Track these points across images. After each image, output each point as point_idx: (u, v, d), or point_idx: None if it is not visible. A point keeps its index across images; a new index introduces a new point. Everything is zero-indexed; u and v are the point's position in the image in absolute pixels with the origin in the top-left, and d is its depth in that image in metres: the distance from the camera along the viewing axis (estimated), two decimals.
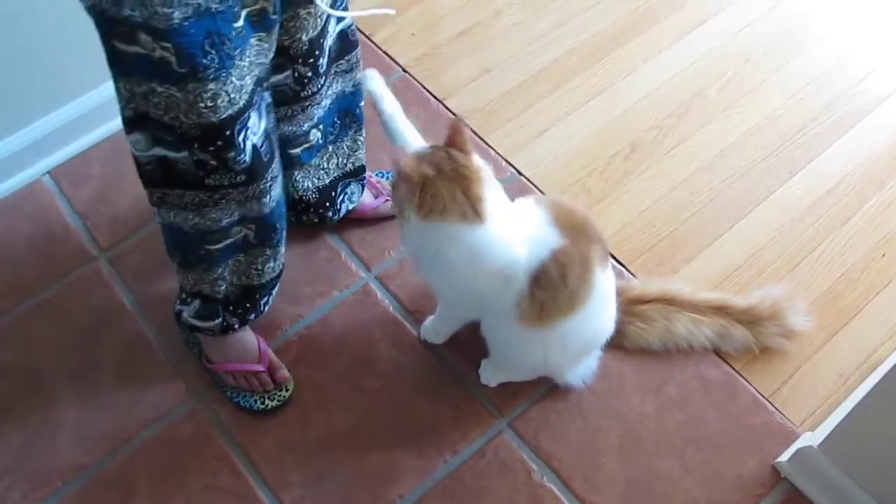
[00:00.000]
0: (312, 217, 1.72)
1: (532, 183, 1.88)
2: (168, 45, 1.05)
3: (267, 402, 1.57)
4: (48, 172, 1.89)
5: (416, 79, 2.05)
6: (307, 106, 1.48)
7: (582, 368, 1.56)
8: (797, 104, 2.02)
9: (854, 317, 1.71)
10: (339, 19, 1.42)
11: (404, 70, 2.07)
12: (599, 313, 1.44)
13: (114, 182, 1.87)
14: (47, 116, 1.84)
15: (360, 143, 1.67)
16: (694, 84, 2.06)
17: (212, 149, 1.20)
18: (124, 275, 1.75)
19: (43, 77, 1.77)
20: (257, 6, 1.13)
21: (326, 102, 1.53)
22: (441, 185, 1.25)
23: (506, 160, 1.91)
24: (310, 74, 1.41)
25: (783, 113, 2.01)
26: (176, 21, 1.03)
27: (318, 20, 1.33)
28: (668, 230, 1.82)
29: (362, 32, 2.13)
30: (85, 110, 1.87)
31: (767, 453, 1.54)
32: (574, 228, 1.35)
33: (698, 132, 1.97)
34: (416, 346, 1.66)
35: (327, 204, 1.71)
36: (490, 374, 1.59)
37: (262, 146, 1.27)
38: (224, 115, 1.16)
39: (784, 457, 1.51)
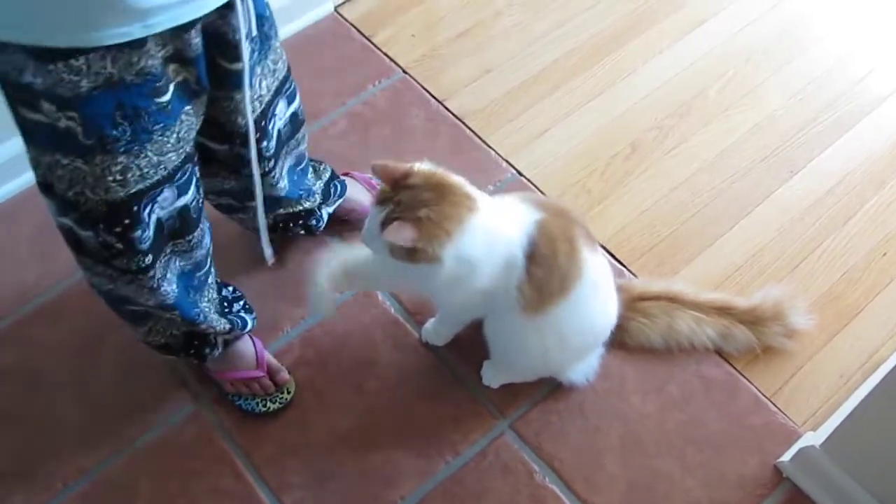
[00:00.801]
0: (297, 231, 1.69)
1: (532, 183, 1.88)
2: (74, 114, 1.00)
3: (269, 404, 1.57)
4: None
5: (416, 80, 2.05)
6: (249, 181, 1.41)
7: (584, 366, 1.56)
8: (797, 104, 2.02)
9: (855, 317, 1.70)
10: (291, 100, 1.37)
11: (404, 71, 2.07)
12: (593, 299, 1.42)
13: None
14: None
15: (314, 171, 1.65)
16: (694, 84, 2.06)
17: (118, 229, 1.15)
18: None
19: None
20: (179, 77, 1.08)
21: (284, 183, 1.49)
22: (438, 211, 1.23)
23: (506, 161, 1.91)
24: (249, 156, 1.33)
25: (783, 113, 2.01)
26: (84, 90, 0.98)
27: (257, 103, 1.28)
28: (668, 230, 1.82)
29: (362, 34, 2.13)
30: None
31: (769, 453, 1.54)
32: (553, 209, 1.37)
33: (699, 132, 1.97)
34: (417, 347, 1.66)
35: (303, 215, 1.66)
36: (492, 376, 1.59)
37: (167, 220, 1.22)
38: (133, 190, 1.11)
39: (786, 457, 1.51)
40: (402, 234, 1.21)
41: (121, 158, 1.07)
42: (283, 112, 1.38)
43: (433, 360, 1.65)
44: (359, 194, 1.78)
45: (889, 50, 2.13)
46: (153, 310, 1.36)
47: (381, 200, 1.27)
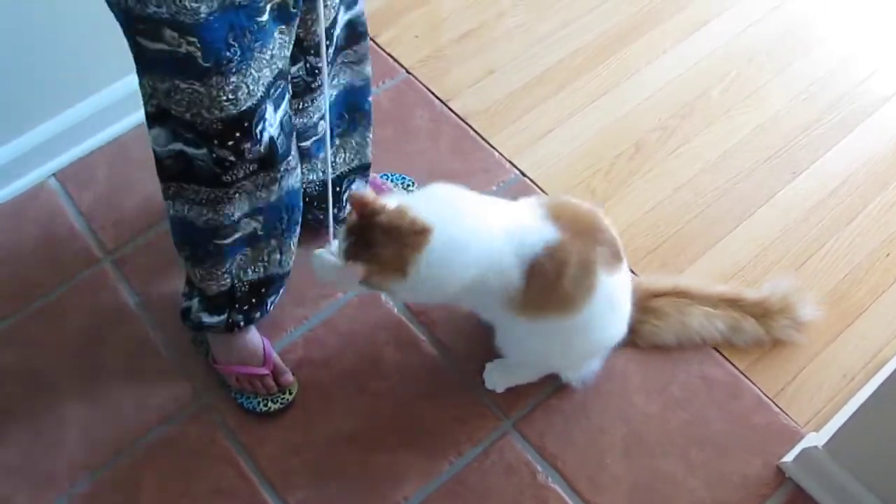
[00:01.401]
0: (318, 214, 1.72)
1: (536, 184, 1.88)
2: (194, 39, 1.06)
3: (270, 404, 1.57)
4: (54, 175, 1.90)
5: (419, 80, 2.05)
6: (316, 96, 1.49)
7: (587, 369, 1.56)
8: (800, 105, 2.02)
9: (859, 317, 1.71)
10: (349, 7, 1.43)
11: (408, 72, 2.07)
12: (606, 318, 1.42)
13: (119, 184, 1.87)
14: (53, 119, 1.85)
15: (368, 139, 1.67)
16: (697, 85, 2.06)
17: (231, 143, 1.22)
18: (130, 277, 1.75)
19: (49, 80, 1.78)
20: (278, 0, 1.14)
21: (333, 92, 1.54)
22: (386, 246, 1.26)
23: (510, 161, 1.92)
24: (320, 65, 1.41)
25: (786, 113, 2.01)
26: (202, 16, 1.05)
27: (331, 11, 1.34)
28: (672, 231, 1.82)
29: None
30: (91, 113, 1.87)
31: (772, 453, 1.54)
32: (577, 228, 1.34)
33: (702, 133, 1.97)
34: (421, 347, 1.66)
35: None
36: (495, 380, 1.59)
37: (278, 138, 1.29)
38: (244, 107, 1.18)
39: (789, 457, 1.51)
40: (356, 271, 1.26)
41: (233, 78, 1.13)
42: (342, 19, 1.43)
43: (436, 360, 1.65)
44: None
45: (892, 51, 2.13)
46: (243, 220, 1.38)
47: (348, 230, 1.31)
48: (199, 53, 1.08)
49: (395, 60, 2.09)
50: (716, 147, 1.95)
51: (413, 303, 1.66)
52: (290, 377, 1.59)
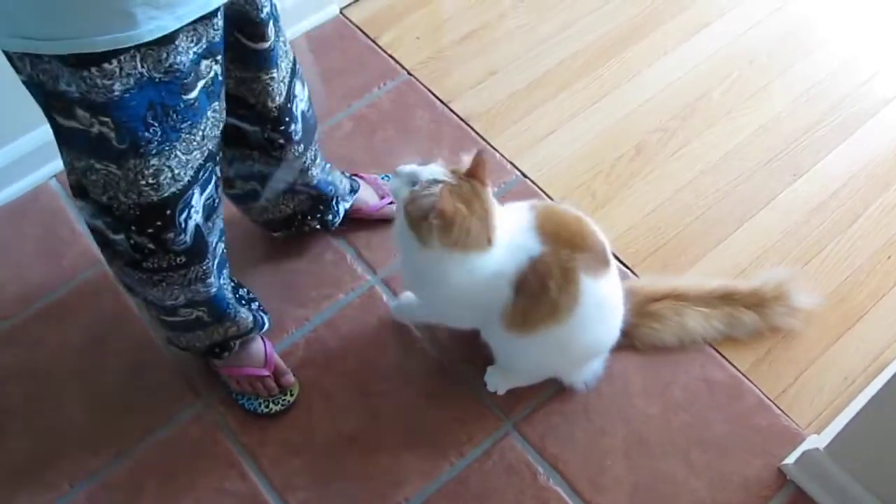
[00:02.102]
0: (314, 225, 1.71)
1: (537, 185, 1.88)
2: (107, 119, 1.01)
3: (271, 405, 1.57)
4: (55, 176, 1.90)
5: (421, 82, 2.05)
6: (282, 160, 1.45)
7: (586, 371, 1.57)
8: (802, 106, 2.02)
9: (860, 319, 1.71)
10: (303, 83, 1.40)
11: (409, 73, 2.07)
12: (597, 321, 1.43)
13: None
14: None
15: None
16: (698, 86, 2.06)
17: (150, 231, 1.16)
18: None
19: None
20: (210, 74, 1.09)
21: (315, 171, 1.54)
22: (472, 222, 1.28)
23: (511, 163, 1.92)
24: (281, 141, 1.39)
25: (788, 115, 2.01)
26: (116, 94, 0.99)
27: (281, 86, 1.30)
28: (673, 232, 1.82)
29: (367, 36, 2.13)
30: None
31: (773, 455, 1.54)
32: (559, 236, 1.35)
33: (703, 134, 1.97)
34: (422, 349, 1.67)
35: (321, 207, 1.69)
36: (497, 382, 1.59)
37: (204, 224, 1.23)
38: (166, 194, 1.12)
39: (790, 459, 1.51)
40: (445, 202, 1.23)
41: (153, 161, 1.08)
42: (301, 93, 1.41)
43: (438, 361, 1.65)
44: (367, 195, 1.79)
45: (893, 53, 2.13)
46: (182, 308, 1.37)
47: (454, 171, 1.31)
48: (112, 134, 1.03)
49: (396, 62, 2.09)
50: (717, 149, 1.95)
51: (419, 317, 1.67)
52: (290, 378, 1.59)
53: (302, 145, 1.44)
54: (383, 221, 1.79)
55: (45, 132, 1.81)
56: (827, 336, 1.68)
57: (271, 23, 1.21)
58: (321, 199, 1.66)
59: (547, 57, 2.11)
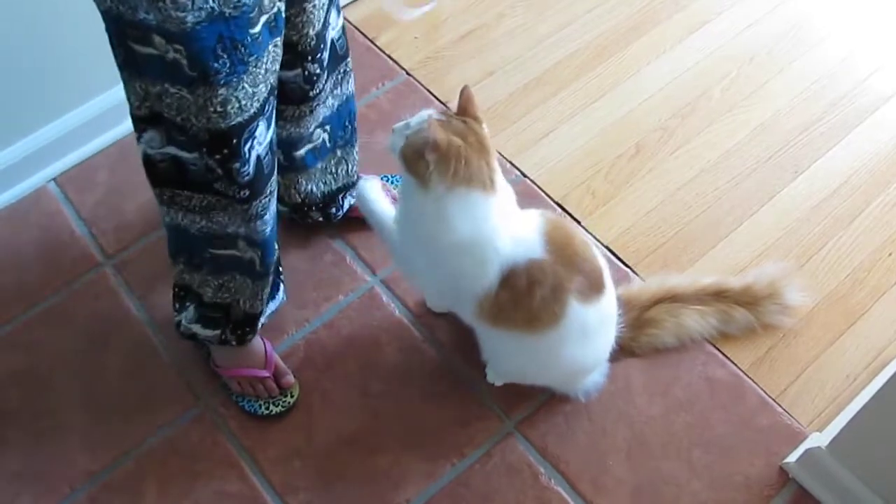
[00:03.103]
0: (316, 217, 1.72)
1: (537, 185, 1.88)
2: (180, 47, 1.06)
3: (272, 407, 1.57)
4: (54, 179, 1.90)
5: (419, 82, 2.05)
6: (315, 105, 1.48)
7: (577, 385, 1.56)
8: (802, 104, 2.02)
9: (861, 316, 1.70)
10: (338, 11, 1.43)
11: (408, 73, 2.07)
12: (577, 345, 1.41)
13: (120, 188, 1.87)
14: (53, 123, 1.85)
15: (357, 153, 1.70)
16: (698, 84, 2.05)
17: (218, 157, 1.20)
18: (130, 281, 1.75)
19: (48, 83, 1.78)
20: (274, 10, 1.13)
21: (332, 102, 1.54)
22: (470, 153, 1.26)
23: (510, 162, 1.91)
24: (318, 71, 1.42)
25: (788, 113, 2.00)
26: (188, 25, 1.04)
27: (321, 12, 1.34)
28: (673, 231, 1.82)
29: (365, 36, 2.13)
30: (90, 116, 1.87)
31: (775, 454, 1.53)
32: (562, 251, 1.34)
33: (703, 132, 1.97)
34: (423, 349, 1.66)
35: (329, 203, 1.71)
36: (495, 373, 1.59)
37: (265, 157, 1.27)
38: (233, 122, 1.16)
39: (792, 457, 1.51)
40: (437, 133, 1.22)
41: (221, 91, 1.12)
42: (335, 21, 1.42)
43: (438, 362, 1.65)
44: None
45: (893, 49, 2.13)
46: (239, 242, 1.38)
47: (444, 112, 1.31)
48: (185, 62, 1.08)
49: (395, 62, 2.09)
50: (717, 147, 1.95)
51: (401, 269, 1.62)
52: (291, 379, 1.59)
53: (326, 73, 1.46)
54: None
55: (44, 135, 1.84)
56: (828, 334, 1.68)
57: None
58: (336, 196, 1.70)
59: (546, 56, 2.10)
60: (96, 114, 1.88)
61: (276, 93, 1.25)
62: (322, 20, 1.35)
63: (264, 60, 1.15)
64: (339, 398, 1.61)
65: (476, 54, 2.11)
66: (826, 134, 1.96)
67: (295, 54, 1.35)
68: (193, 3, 1.02)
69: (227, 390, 1.60)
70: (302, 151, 1.57)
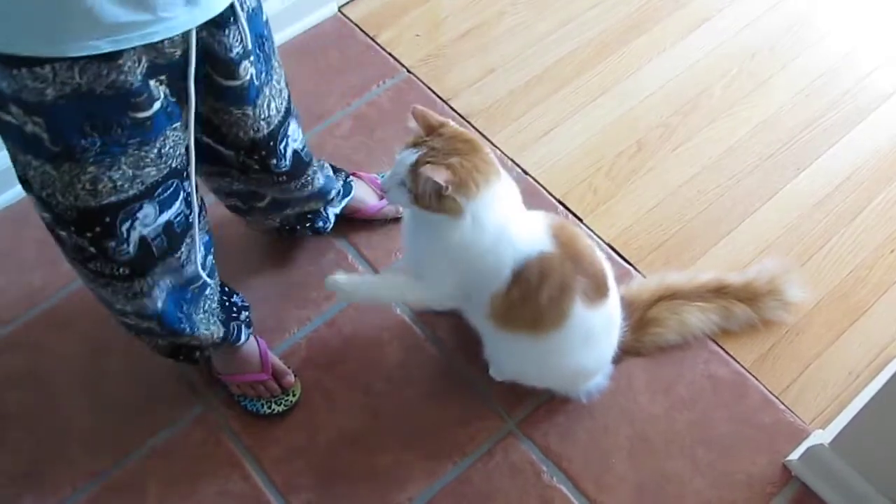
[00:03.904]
0: (305, 232, 1.71)
1: (538, 182, 1.88)
2: (39, 120, 0.98)
3: (274, 406, 1.57)
4: None
5: (420, 80, 2.05)
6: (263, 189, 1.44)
7: (579, 387, 1.56)
8: (803, 101, 2.01)
9: (863, 313, 1.70)
10: (299, 122, 1.39)
11: (409, 71, 2.07)
12: (579, 349, 1.42)
13: None
14: None
15: (333, 170, 1.66)
16: (700, 81, 2.05)
17: (89, 234, 1.13)
18: None
19: None
20: (166, 90, 1.06)
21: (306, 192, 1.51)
22: (468, 161, 1.25)
23: (511, 160, 1.91)
24: (257, 167, 1.34)
25: (790, 109, 2.00)
26: (49, 98, 0.95)
27: (262, 123, 1.27)
28: (675, 228, 1.82)
29: (366, 34, 2.13)
30: None
31: (778, 452, 1.53)
32: (568, 248, 1.34)
33: (705, 130, 1.97)
34: (425, 348, 1.66)
35: (310, 216, 1.67)
36: (497, 371, 1.59)
37: (155, 239, 1.18)
38: (106, 202, 1.08)
39: (794, 455, 1.51)
40: (438, 174, 1.20)
41: (90, 168, 1.04)
42: (295, 133, 1.37)
43: (440, 361, 1.65)
44: (365, 194, 1.78)
45: (895, 46, 2.12)
46: (130, 317, 1.34)
47: (414, 144, 1.28)
48: (45, 136, 0.99)
49: (396, 60, 2.09)
50: (718, 144, 1.94)
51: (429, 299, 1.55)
52: (291, 378, 1.59)
53: (285, 177, 1.41)
54: (384, 221, 1.79)
55: None
56: (831, 331, 1.67)
57: (245, 63, 1.16)
58: (306, 213, 1.64)
59: (546, 54, 2.10)
60: None
61: (184, 175, 1.17)
62: (267, 131, 1.28)
63: (156, 145, 1.08)
64: (341, 397, 1.61)
65: (477, 52, 2.11)
66: (828, 131, 1.96)
67: (228, 143, 1.28)
68: (56, 76, 0.93)
69: (228, 391, 1.60)
70: (264, 203, 1.53)
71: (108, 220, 1.11)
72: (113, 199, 1.09)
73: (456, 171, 1.22)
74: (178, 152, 1.13)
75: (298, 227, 1.67)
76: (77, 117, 0.99)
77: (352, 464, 1.54)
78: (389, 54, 2.10)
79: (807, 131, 1.96)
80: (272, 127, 1.29)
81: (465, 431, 1.56)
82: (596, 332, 1.41)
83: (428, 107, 1.96)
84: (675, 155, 1.93)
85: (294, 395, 1.58)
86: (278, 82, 1.28)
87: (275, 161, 1.35)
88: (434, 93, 2.03)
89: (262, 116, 1.26)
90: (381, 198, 1.80)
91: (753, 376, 1.62)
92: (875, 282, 1.74)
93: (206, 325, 1.43)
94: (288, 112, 1.33)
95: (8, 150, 1.09)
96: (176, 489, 1.52)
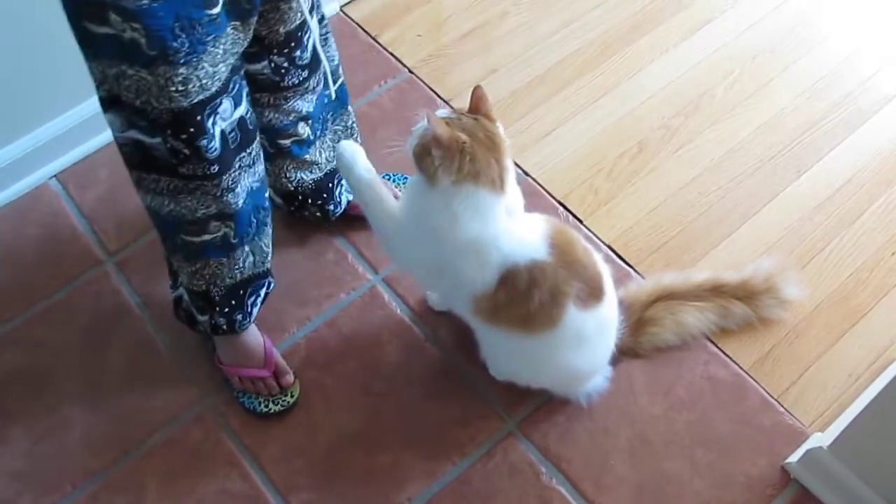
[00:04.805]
0: (314, 211, 1.72)
1: (539, 184, 1.87)
2: (138, 25, 1.05)
3: (271, 405, 1.57)
4: (55, 176, 1.90)
5: (422, 80, 2.05)
6: (289, 97, 1.49)
7: (576, 389, 1.56)
8: (805, 103, 2.01)
9: (864, 316, 1.70)
10: (320, 21, 1.44)
11: (410, 71, 2.06)
12: (572, 351, 1.41)
13: (121, 185, 1.86)
14: (54, 120, 1.85)
15: (352, 126, 1.69)
16: (701, 83, 2.05)
17: (184, 136, 1.20)
18: (132, 278, 1.75)
19: (49, 81, 1.78)
20: None
21: (313, 98, 1.53)
22: (477, 150, 1.25)
23: (513, 161, 1.91)
24: (286, 65, 1.42)
25: (791, 111, 2.00)
26: (145, 2, 1.03)
27: (298, 15, 1.35)
28: (676, 230, 1.82)
29: (368, 34, 2.13)
30: (91, 113, 1.87)
31: (777, 454, 1.53)
32: (564, 255, 1.34)
33: (706, 131, 1.97)
34: (425, 348, 1.66)
35: (325, 196, 1.70)
36: (494, 370, 1.58)
37: (230, 132, 1.27)
38: (195, 100, 1.16)
39: (794, 457, 1.50)
40: (440, 128, 1.21)
41: (181, 70, 1.11)
42: (317, 28, 1.43)
43: (440, 361, 1.65)
44: None
45: None
46: (213, 221, 1.36)
47: (455, 111, 1.31)
48: (143, 40, 1.07)
49: (398, 60, 2.09)
50: (720, 146, 1.94)
51: (391, 254, 1.53)
52: (290, 378, 1.59)
53: (307, 71, 1.47)
54: None
55: (46, 132, 1.84)
56: (830, 333, 1.67)
57: None
58: (325, 183, 1.68)
59: (548, 55, 2.10)
60: (97, 111, 1.83)
61: (241, 73, 1.26)
62: (297, 22, 1.36)
63: (223, 41, 1.16)
64: (341, 397, 1.61)
65: (479, 52, 2.10)
66: (829, 133, 1.96)
67: (261, 47, 1.36)
68: None
69: (229, 388, 1.60)
70: (287, 142, 1.57)
71: (199, 118, 1.19)
72: (201, 97, 1.17)
73: (454, 141, 1.23)
74: (236, 49, 1.20)
75: (310, 201, 1.69)
76: (168, 19, 1.06)
77: (351, 463, 1.54)
78: (391, 54, 2.10)
79: (808, 133, 1.96)
80: (302, 18, 1.37)
81: (464, 432, 1.56)
82: (589, 334, 1.40)
83: (429, 107, 1.98)
84: (677, 156, 1.93)
85: (292, 397, 1.58)
86: None
87: (299, 52, 1.42)
88: (435, 93, 2.02)
89: (298, 7, 1.34)
90: None
91: (753, 378, 1.62)
92: (875, 284, 1.74)
93: (262, 250, 1.49)
94: (313, 6, 1.40)
95: (97, 70, 1.15)
96: (175, 488, 1.52)
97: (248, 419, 1.58)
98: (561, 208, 1.84)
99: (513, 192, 1.33)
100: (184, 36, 1.09)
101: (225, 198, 1.33)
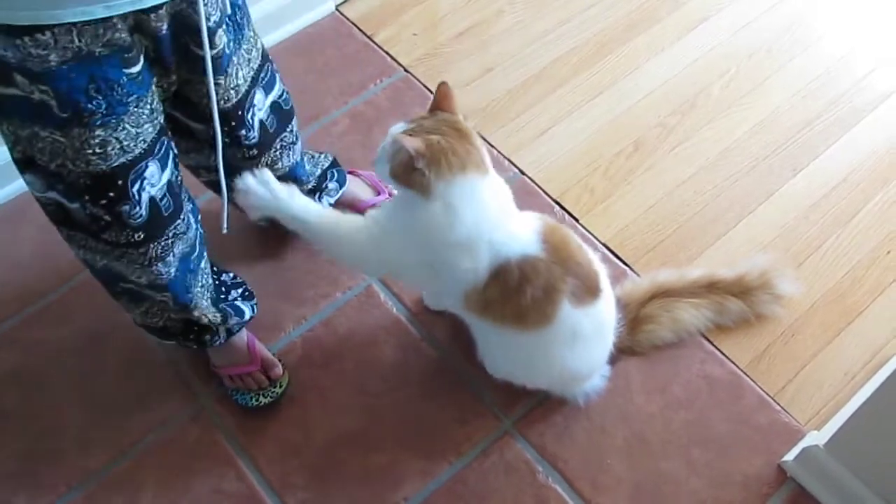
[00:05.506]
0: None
1: (535, 182, 1.87)
2: (45, 87, 1.00)
3: (261, 398, 1.57)
4: None
5: (417, 79, 2.05)
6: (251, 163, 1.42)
7: (573, 388, 1.56)
8: (801, 101, 2.01)
9: (859, 314, 1.70)
10: (268, 91, 1.37)
11: (406, 70, 2.06)
12: (567, 348, 1.40)
13: None
14: None
15: (318, 162, 1.67)
16: (697, 81, 2.05)
17: (103, 202, 1.14)
18: None
19: None
20: (145, 44, 1.08)
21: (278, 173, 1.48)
22: (452, 143, 1.24)
23: (508, 160, 1.91)
24: (226, 140, 1.32)
25: (787, 110, 2.00)
26: (53, 64, 0.98)
27: (232, 93, 1.27)
28: (672, 228, 1.82)
29: (364, 32, 2.13)
30: None
31: (773, 452, 1.53)
32: (558, 251, 1.33)
33: (702, 130, 1.97)
34: (421, 347, 1.66)
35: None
36: (490, 365, 1.58)
37: (162, 200, 1.21)
38: (115, 163, 1.11)
39: (790, 456, 1.51)
40: (410, 142, 1.21)
41: (98, 132, 1.07)
42: (261, 102, 1.38)
43: (436, 360, 1.65)
44: (360, 190, 1.78)
45: (892, 47, 2.12)
46: (146, 290, 1.35)
47: (411, 120, 1.30)
48: (53, 102, 1.01)
49: (393, 58, 2.08)
50: (716, 144, 1.94)
51: (389, 269, 1.52)
52: (279, 370, 1.59)
53: (255, 150, 1.41)
54: None
55: None
56: (827, 332, 1.67)
57: (221, 31, 1.17)
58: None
59: (544, 53, 2.10)
60: None
61: (167, 132, 1.19)
62: (235, 100, 1.28)
63: (148, 100, 1.11)
64: (337, 396, 1.61)
65: (474, 51, 2.10)
66: (825, 132, 1.96)
67: (199, 115, 1.27)
68: (56, 42, 0.96)
69: (222, 386, 1.60)
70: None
71: (120, 182, 1.13)
72: (122, 160, 1.11)
73: (430, 146, 1.22)
74: (161, 107, 1.15)
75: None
76: (81, 80, 1.01)
77: (347, 463, 1.54)
78: (387, 53, 2.10)
79: (804, 132, 1.96)
80: (240, 96, 1.30)
81: (460, 431, 1.56)
82: (585, 332, 1.40)
83: (425, 105, 1.96)
84: (673, 155, 1.93)
85: (281, 387, 1.58)
86: (248, 51, 1.28)
87: (244, 132, 1.35)
88: (431, 92, 2.02)
89: (231, 85, 1.27)
90: (378, 193, 1.79)
91: (749, 377, 1.62)
92: (871, 283, 1.74)
93: (202, 301, 1.44)
94: (254, 81, 1.33)
95: (6, 133, 1.10)
96: (170, 487, 1.51)
97: (243, 418, 1.58)
98: (557, 207, 1.84)
99: (502, 189, 1.33)
100: (100, 98, 1.03)
101: (153, 267, 1.28)
